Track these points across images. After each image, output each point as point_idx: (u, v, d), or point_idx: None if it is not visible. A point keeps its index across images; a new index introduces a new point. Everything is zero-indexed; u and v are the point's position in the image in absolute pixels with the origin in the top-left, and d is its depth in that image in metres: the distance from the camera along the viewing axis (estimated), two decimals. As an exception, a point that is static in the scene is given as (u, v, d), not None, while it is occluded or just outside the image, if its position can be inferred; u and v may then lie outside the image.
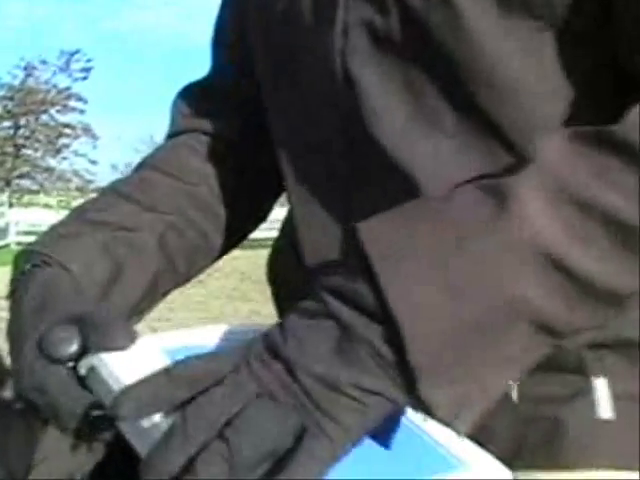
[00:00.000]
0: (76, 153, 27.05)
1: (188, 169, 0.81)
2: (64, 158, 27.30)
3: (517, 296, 0.49)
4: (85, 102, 26.52)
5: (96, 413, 0.55)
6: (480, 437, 0.54)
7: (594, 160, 0.50)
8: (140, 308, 0.73)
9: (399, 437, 0.53)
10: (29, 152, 26.16)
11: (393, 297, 0.48)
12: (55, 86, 26.01)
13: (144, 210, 0.75)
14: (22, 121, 25.77)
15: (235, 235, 0.84)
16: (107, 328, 0.57)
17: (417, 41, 0.62)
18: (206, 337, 0.61)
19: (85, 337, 0.57)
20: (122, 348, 0.56)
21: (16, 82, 25.51)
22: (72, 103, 26.05)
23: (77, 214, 0.73)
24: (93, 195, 0.79)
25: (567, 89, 0.61)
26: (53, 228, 0.71)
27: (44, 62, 25.78)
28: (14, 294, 0.64)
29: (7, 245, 18.36)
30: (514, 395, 0.61)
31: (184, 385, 0.50)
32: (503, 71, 0.61)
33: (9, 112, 25.39)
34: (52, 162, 26.72)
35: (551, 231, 0.49)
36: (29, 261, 0.65)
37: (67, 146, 26.56)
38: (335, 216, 0.68)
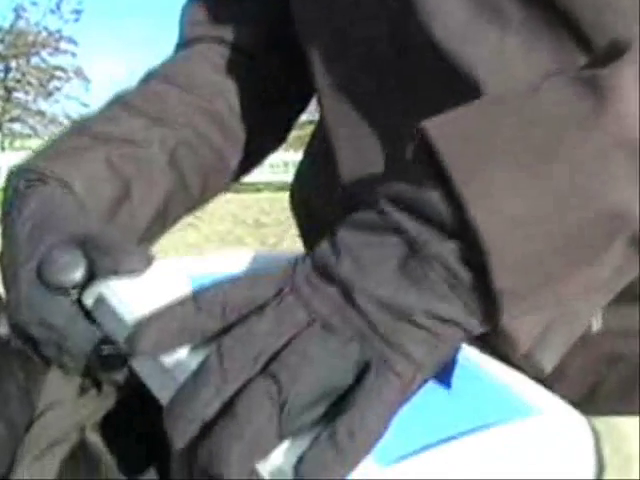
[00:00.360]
0: (68, 96, 26.81)
1: (202, 81, 0.72)
2: (56, 101, 27.31)
3: (618, 208, 0.41)
4: (77, 45, 26.24)
5: (106, 350, 0.47)
6: (549, 378, 0.47)
7: None
8: (150, 233, 0.65)
9: (459, 377, 0.46)
10: (20, 95, 25.84)
11: (473, 206, 0.40)
12: (46, 28, 25.57)
13: (153, 123, 0.66)
14: (13, 64, 25.40)
15: (252, 157, 0.76)
16: (117, 250, 0.48)
17: None
18: (232, 263, 0.51)
19: (91, 261, 0.49)
20: (136, 272, 0.48)
21: (6, 24, 25.26)
22: (63, 45, 25.69)
23: (79, 128, 0.64)
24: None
25: None
26: (51, 143, 0.61)
27: (34, 3, 25.86)
28: (6, 216, 0.55)
29: (-1, 189, 18.21)
30: (594, 327, 0.53)
31: (217, 314, 0.41)
32: None
33: None
34: (44, 105, 26.60)
35: None
36: (24, 178, 0.56)
37: (59, 89, 26.27)
38: (379, 133, 0.59)
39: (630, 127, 0.41)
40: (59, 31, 25.53)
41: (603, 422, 0.51)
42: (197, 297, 0.42)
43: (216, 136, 0.71)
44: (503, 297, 0.40)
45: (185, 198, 0.69)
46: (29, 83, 25.61)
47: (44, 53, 25.74)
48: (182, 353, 0.43)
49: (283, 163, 17.76)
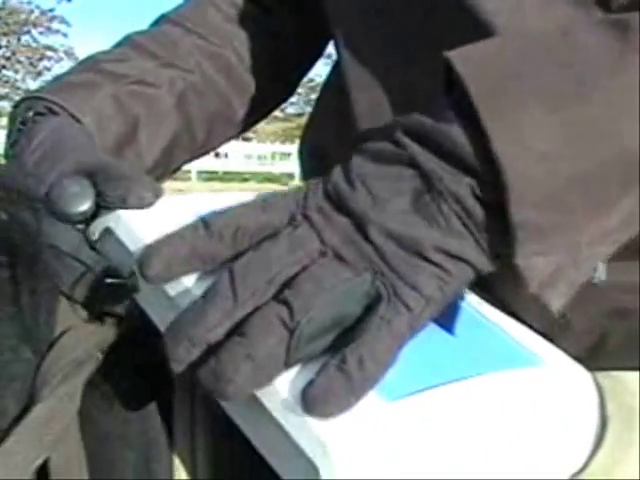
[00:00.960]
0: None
1: (213, 28, 0.72)
2: (45, 81, 26.86)
3: (638, 150, 0.40)
4: (69, 25, 26.03)
5: (110, 282, 0.46)
6: (554, 332, 0.47)
7: None
8: (154, 174, 0.65)
9: (464, 324, 0.46)
10: (9, 73, 25.64)
11: (497, 139, 0.39)
12: (38, 7, 25.58)
13: (163, 66, 0.67)
14: (3, 41, 25.20)
15: (259, 108, 0.76)
16: (127, 180, 0.48)
17: None
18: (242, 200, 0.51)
19: (100, 192, 0.48)
20: (146, 204, 0.47)
21: None
22: (55, 25, 25.55)
23: (90, 64, 0.64)
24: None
25: None
26: (61, 76, 0.61)
27: None
28: (14, 145, 0.54)
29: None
30: (600, 279, 0.53)
31: (228, 240, 0.41)
32: None
33: None
34: (33, 85, 26.23)
35: None
36: (32, 108, 0.56)
37: (48, 69, 26.06)
38: (398, 89, 0.59)
39: None
40: (52, 10, 25.40)
41: (607, 377, 0.51)
42: (208, 222, 0.42)
43: (224, 83, 0.72)
44: (519, 232, 0.40)
45: (190, 141, 0.69)
46: (19, 62, 25.42)
47: (35, 32, 25.61)
48: (188, 281, 0.42)
49: (271, 155, 17.74)
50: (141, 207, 0.47)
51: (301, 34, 0.76)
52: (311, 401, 0.37)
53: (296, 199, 0.42)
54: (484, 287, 0.46)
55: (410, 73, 0.58)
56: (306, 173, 0.75)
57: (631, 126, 0.41)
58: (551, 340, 0.49)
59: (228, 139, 0.76)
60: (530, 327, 0.50)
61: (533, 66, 0.42)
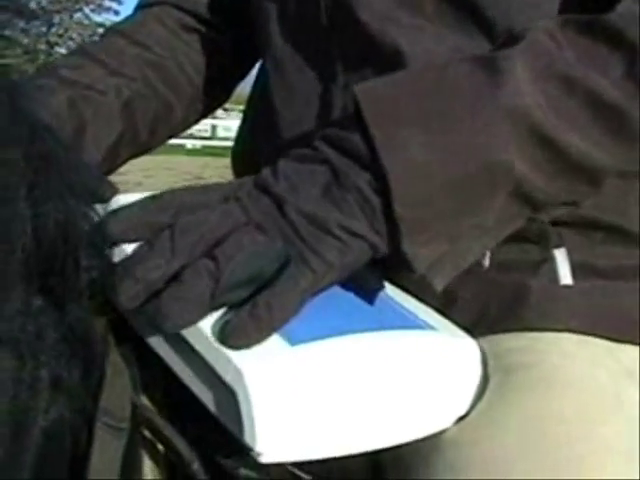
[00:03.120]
0: (109, 54, 27.04)
1: (157, 40, 0.82)
2: (96, 58, 27.35)
3: (502, 162, 0.51)
4: (120, 3, 26.43)
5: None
6: (445, 305, 0.58)
7: (583, 44, 0.53)
8: (102, 168, 0.74)
9: (367, 297, 0.55)
10: (62, 50, 26.07)
11: (383, 149, 0.50)
12: None
13: (111, 74, 0.77)
14: (56, 19, 25.67)
15: (197, 111, 0.87)
16: (89, 173, 0.56)
17: None
18: None
19: None
20: (105, 199, 0.55)
21: None
22: (107, 2, 26.03)
23: (50, 71, 0.75)
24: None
25: None
26: (28, 80, 0.72)
27: None
28: None
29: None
30: (486, 263, 0.62)
31: (172, 212, 0.51)
32: None
33: (43, 9, 25.16)
34: (84, 62, 26.69)
35: (538, 104, 0.51)
36: None
37: (100, 46, 26.54)
38: (317, 92, 0.69)
39: (516, 99, 0.51)
40: None
41: (488, 341, 0.61)
42: (157, 197, 0.52)
43: (166, 91, 0.81)
44: (402, 225, 0.50)
45: (134, 143, 0.79)
46: (71, 38, 25.87)
47: (87, 9, 26.06)
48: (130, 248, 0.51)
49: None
50: (101, 202, 0.55)
51: (238, 46, 0.85)
52: (226, 336, 0.47)
53: (232, 186, 0.53)
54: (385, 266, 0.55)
55: (329, 89, 0.68)
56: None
57: (493, 142, 0.51)
58: (443, 313, 0.59)
59: (169, 138, 0.86)
60: (426, 302, 0.59)
61: (417, 94, 0.52)
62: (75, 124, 0.71)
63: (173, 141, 1.00)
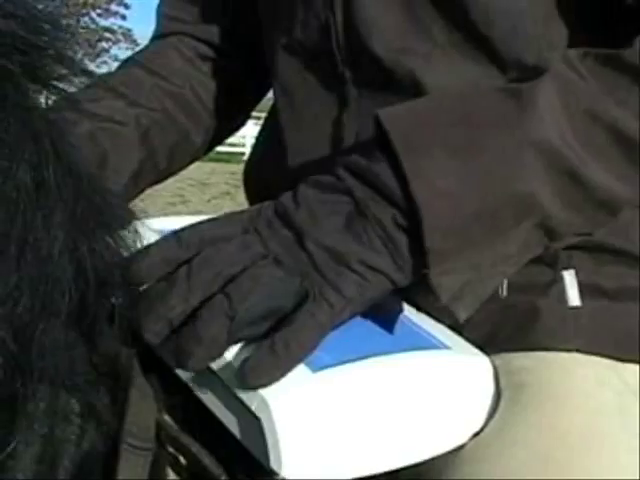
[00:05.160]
0: (115, 58, 27.03)
1: (173, 70, 0.85)
2: (103, 62, 27.42)
3: (529, 194, 0.52)
4: (127, 7, 26.46)
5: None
6: (459, 323, 0.58)
7: (605, 77, 0.55)
8: (126, 196, 0.76)
9: (386, 320, 0.57)
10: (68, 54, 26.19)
11: (414, 180, 0.50)
12: None
13: (130, 105, 0.79)
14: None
15: (214, 137, 0.89)
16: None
17: None
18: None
19: None
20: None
21: None
22: (114, 7, 26.01)
23: (70, 103, 0.75)
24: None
25: (560, 14, 0.64)
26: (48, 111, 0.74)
27: None
28: None
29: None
30: (503, 289, 0.64)
31: (192, 247, 0.52)
32: (499, 4, 0.63)
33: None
34: (91, 66, 26.71)
35: (564, 136, 0.53)
36: None
37: (107, 50, 26.57)
38: (327, 117, 0.70)
39: (542, 131, 0.52)
40: None
41: (500, 358, 0.62)
42: (178, 235, 0.53)
43: (183, 119, 0.84)
44: (430, 255, 0.51)
45: (154, 170, 0.82)
46: (78, 43, 25.91)
47: (94, 14, 26.07)
48: None
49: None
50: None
51: (252, 72, 0.87)
52: (246, 374, 0.48)
53: (250, 215, 0.53)
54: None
55: (340, 114, 0.69)
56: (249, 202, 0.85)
57: (520, 173, 0.52)
58: (457, 331, 0.60)
59: (188, 164, 0.89)
60: (440, 321, 0.61)
61: (445, 124, 0.53)
62: (97, 156, 0.73)
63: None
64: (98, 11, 25.94)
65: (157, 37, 0.90)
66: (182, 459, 0.51)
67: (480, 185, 0.51)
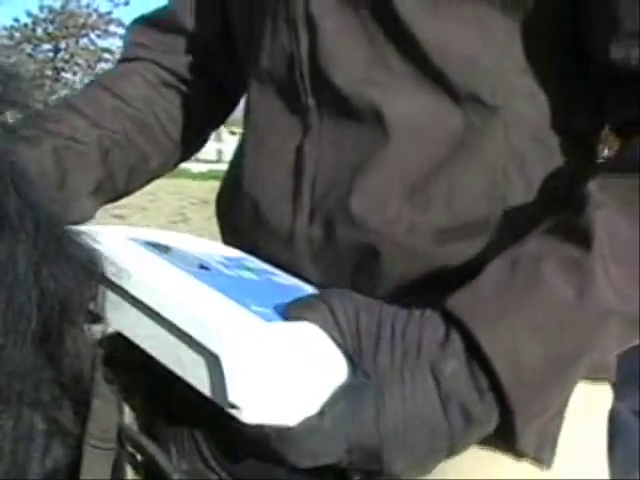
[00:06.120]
0: (115, 79, 27.10)
1: (136, 94, 0.90)
2: (103, 83, 27.47)
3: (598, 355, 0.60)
4: (125, 28, 26.45)
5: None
6: None
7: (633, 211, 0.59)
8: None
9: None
10: (68, 76, 26.21)
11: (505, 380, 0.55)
12: (96, 10, 25.79)
13: (92, 126, 0.84)
14: (62, 44, 25.75)
15: (171, 161, 0.95)
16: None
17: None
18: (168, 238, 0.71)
19: None
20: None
21: (57, 5, 25.41)
22: (112, 28, 25.97)
23: (35, 122, 0.79)
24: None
25: (524, 65, 0.69)
26: (12, 130, 0.79)
27: None
28: None
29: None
30: None
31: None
32: (453, 42, 0.68)
33: (49, 35, 25.24)
34: (91, 87, 26.75)
35: (624, 299, 0.58)
36: None
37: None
38: (289, 146, 0.74)
39: (608, 301, 0.57)
40: (109, 13, 25.86)
41: None
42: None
43: (143, 143, 0.89)
44: (522, 440, 0.57)
45: (112, 190, 0.87)
46: (77, 64, 25.97)
47: (93, 35, 26.15)
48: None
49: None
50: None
51: (213, 99, 0.94)
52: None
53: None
54: None
55: (304, 142, 0.73)
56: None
57: (595, 344, 0.58)
58: None
59: (145, 184, 0.94)
60: None
61: (521, 310, 0.57)
62: (58, 174, 0.78)
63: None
64: (97, 32, 26.02)
65: (123, 61, 0.95)
66: (140, 457, 0.55)
67: (561, 365, 0.58)
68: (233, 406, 0.52)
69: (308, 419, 0.53)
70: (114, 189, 0.87)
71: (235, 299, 0.59)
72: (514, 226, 0.67)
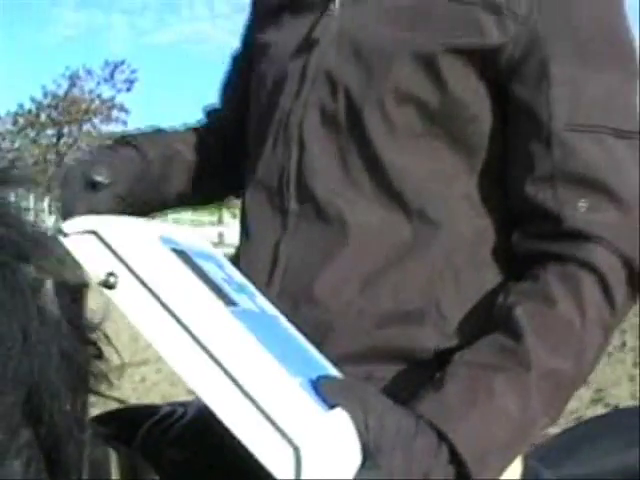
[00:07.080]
0: (117, 162, 26.34)
1: (195, 145, 1.16)
2: (104, 167, 26.69)
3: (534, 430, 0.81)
4: (128, 113, 26.38)
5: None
6: None
7: (543, 323, 0.82)
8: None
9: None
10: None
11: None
12: (99, 96, 26.05)
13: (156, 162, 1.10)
14: (65, 129, 25.92)
15: (184, 200, 1.18)
16: None
17: (354, 126, 0.88)
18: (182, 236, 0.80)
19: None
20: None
21: (61, 91, 25.68)
22: (115, 113, 26.19)
23: (116, 146, 1.07)
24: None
25: (465, 193, 0.89)
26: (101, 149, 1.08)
27: (89, 72, 25.74)
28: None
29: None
30: None
31: None
32: (411, 169, 0.87)
33: (53, 120, 25.49)
34: (93, 170, 25.79)
35: (527, 404, 0.78)
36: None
37: (109, 156, 25.84)
38: (270, 242, 0.92)
39: (538, 413, 0.81)
40: (112, 99, 26.11)
41: None
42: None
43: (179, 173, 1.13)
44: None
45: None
46: (80, 149, 25.61)
47: (96, 120, 26.22)
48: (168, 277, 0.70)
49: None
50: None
51: (232, 174, 1.10)
52: None
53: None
54: None
55: (281, 239, 0.91)
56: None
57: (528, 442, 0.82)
58: None
59: (156, 208, 1.14)
60: None
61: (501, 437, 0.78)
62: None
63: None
64: (100, 117, 26.07)
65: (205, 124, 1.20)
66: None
67: (507, 441, 0.78)
68: None
69: None
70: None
71: (275, 355, 0.69)
72: (443, 319, 0.86)
